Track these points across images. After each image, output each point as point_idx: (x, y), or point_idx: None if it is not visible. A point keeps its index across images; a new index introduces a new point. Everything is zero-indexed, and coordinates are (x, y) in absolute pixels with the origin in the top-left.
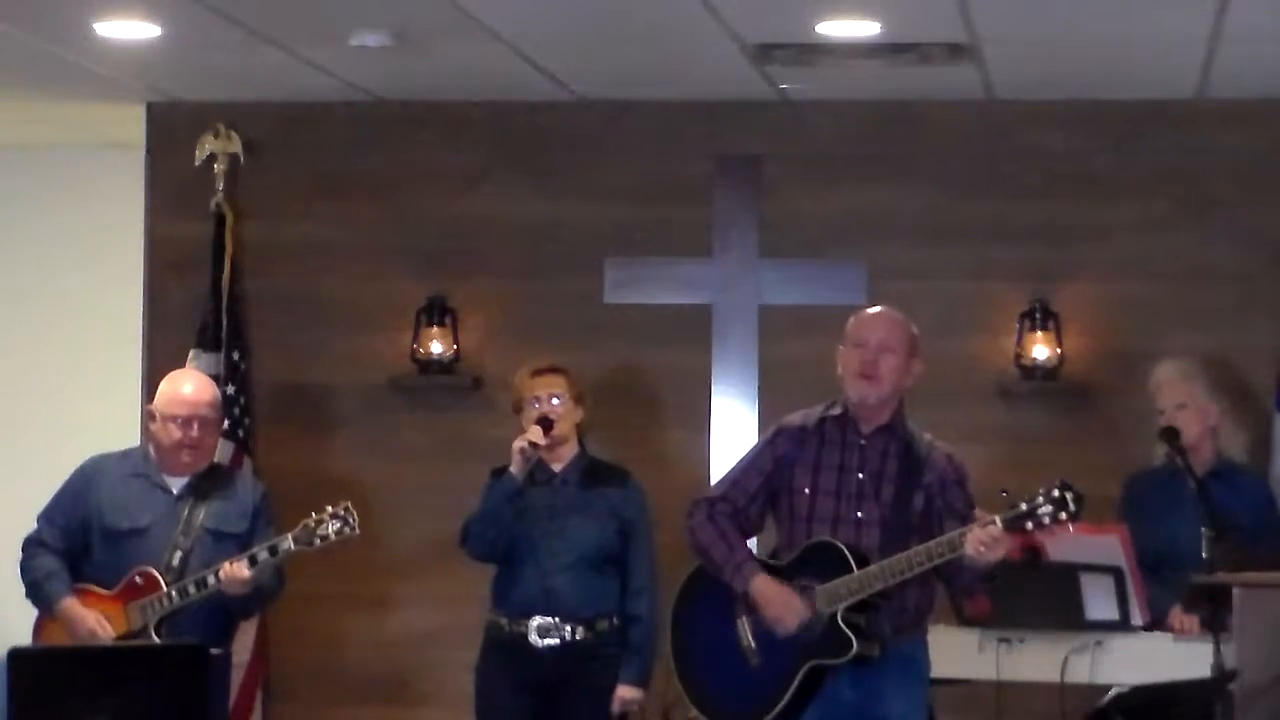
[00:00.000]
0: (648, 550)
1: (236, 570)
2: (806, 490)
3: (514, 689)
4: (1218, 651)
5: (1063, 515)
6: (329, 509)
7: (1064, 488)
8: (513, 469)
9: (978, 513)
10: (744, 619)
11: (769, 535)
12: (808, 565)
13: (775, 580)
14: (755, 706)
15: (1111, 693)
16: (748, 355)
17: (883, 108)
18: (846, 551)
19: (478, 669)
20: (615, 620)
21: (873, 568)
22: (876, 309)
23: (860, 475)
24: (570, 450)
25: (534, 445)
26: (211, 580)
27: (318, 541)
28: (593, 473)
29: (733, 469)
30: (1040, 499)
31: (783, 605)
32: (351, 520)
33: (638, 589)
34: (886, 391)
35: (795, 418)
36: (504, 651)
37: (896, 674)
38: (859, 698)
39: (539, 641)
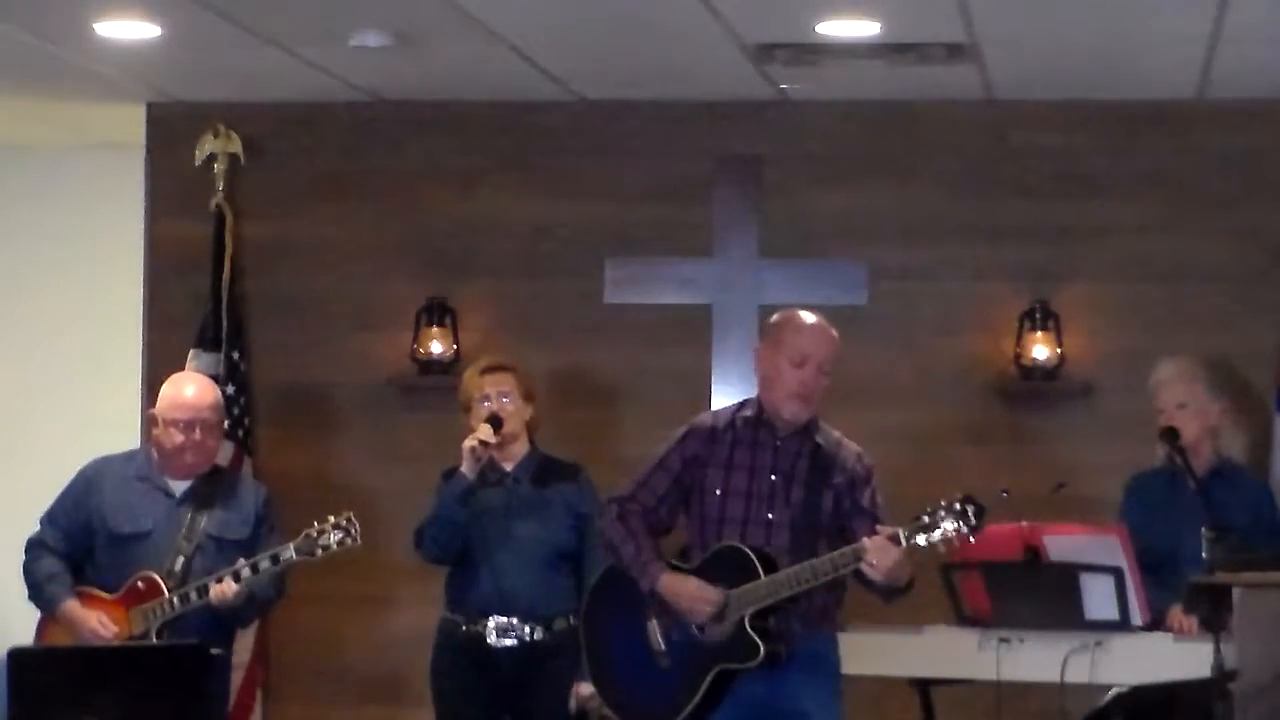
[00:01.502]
0: (602, 545)
1: (225, 588)
2: (718, 491)
3: (472, 689)
4: (1218, 651)
5: (962, 528)
6: (331, 519)
7: (965, 501)
8: (464, 469)
9: (879, 528)
10: (653, 620)
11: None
12: (715, 569)
13: (681, 574)
14: (665, 708)
15: (1111, 693)
16: (748, 355)
17: (883, 108)
18: (754, 557)
19: (433, 670)
20: (571, 620)
21: (779, 575)
22: (813, 321)
23: (773, 477)
24: (521, 448)
25: (485, 444)
26: (214, 587)
27: (319, 552)
28: (545, 470)
29: (641, 470)
30: (941, 511)
31: (691, 596)
32: (353, 531)
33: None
34: (814, 409)
35: (706, 418)
36: (461, 652)
37: (807, 669)
38: (770, 694)
39: (497, 642)
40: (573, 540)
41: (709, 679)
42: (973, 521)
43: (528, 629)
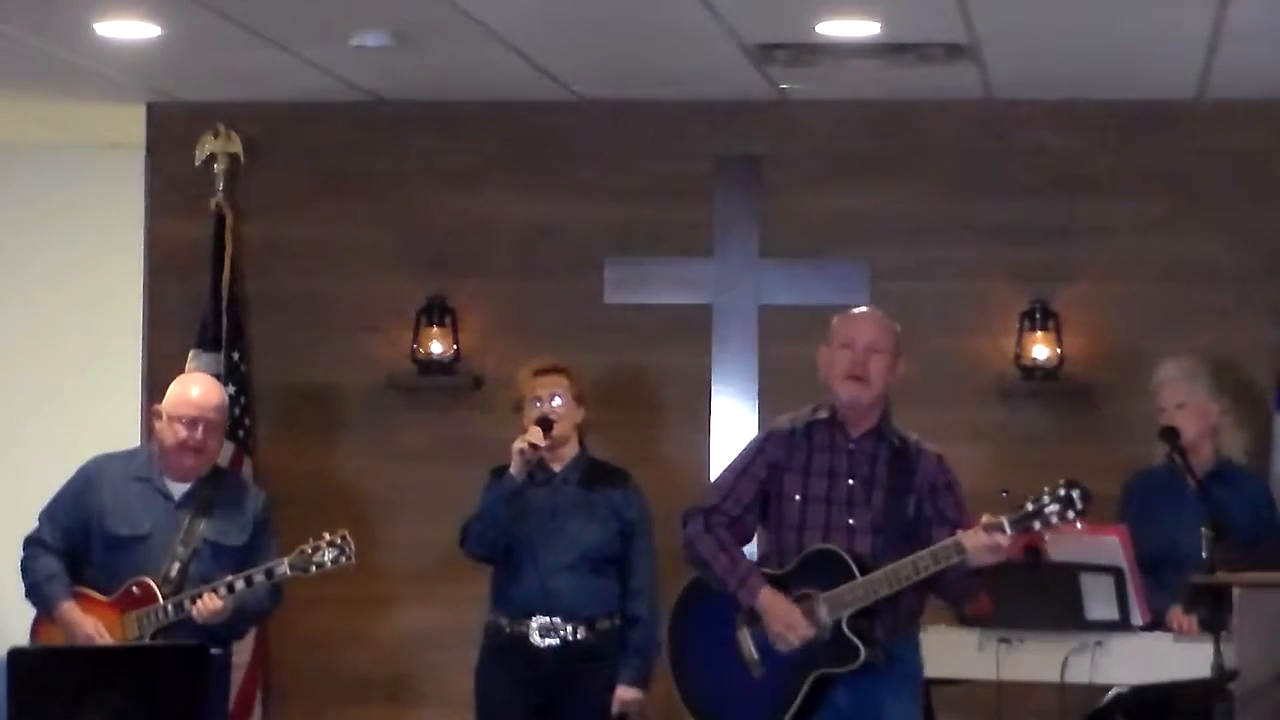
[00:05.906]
0: (649, 551)
1: (210, 604)
2: (797, 497)
3: (515, 689)
4: (1218, 651)
5: (1070, 514)
6: (326, 536)
7: (1070, 485)
8: (512, 470)
9: (985, 517)
10: (745, 630)
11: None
12: (808, 573)
13: (781, 595)
14: (761, 718)
15: (1111, 693)
16: (748, 355)
17: (883, 108)
18: (849, 559)
19: (478, 670)
20: (616, 620)
21: (877, 574)
22: (862, 309)
23: (850, 481)
24: (571, 450)
25: (534, 446)
26: (198, 603)
27: (313, 569)
28: (593, 473)
29: (724, 476)
30: (1046, 499)
31: (788, 622)
32: (348, 550)
33: (638, 589)
34: (876, 392)
35: (784, 421)
36: (505, 652)
37: (891, 677)
38: (855, 703)
39: (540, 641)
40: (618, 544)
41: (807, 684)
42: (1079, 506)
43: (571, 629)
